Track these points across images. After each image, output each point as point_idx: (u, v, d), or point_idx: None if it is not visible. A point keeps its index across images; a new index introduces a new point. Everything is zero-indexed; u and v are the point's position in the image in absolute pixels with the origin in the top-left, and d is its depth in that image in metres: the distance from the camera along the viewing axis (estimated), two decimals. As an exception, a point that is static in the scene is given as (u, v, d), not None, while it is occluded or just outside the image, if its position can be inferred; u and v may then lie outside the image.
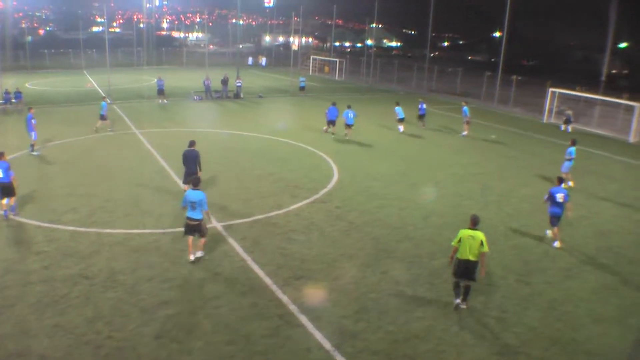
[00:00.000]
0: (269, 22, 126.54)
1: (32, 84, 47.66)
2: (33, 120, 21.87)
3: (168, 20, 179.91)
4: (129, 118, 30.90)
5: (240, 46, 76.93)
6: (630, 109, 31.19)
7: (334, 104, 27.94)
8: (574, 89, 34.91)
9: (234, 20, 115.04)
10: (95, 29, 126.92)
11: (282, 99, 42.36)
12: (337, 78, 60.46)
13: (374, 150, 24.99)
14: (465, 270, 10.56)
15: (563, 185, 14.49)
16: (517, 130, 32.29)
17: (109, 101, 27.43)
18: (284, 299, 10.90)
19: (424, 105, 31.16)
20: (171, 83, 44.85)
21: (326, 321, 10.18)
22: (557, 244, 14.30)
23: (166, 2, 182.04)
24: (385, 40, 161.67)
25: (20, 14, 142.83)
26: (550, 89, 35.80)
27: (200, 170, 16.07)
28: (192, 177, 13.56)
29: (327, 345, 9.43)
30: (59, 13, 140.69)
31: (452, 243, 10.69)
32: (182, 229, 12.64)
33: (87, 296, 10.74)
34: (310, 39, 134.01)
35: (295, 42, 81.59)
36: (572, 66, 72.53)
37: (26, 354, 8.88)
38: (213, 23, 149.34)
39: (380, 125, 31.30)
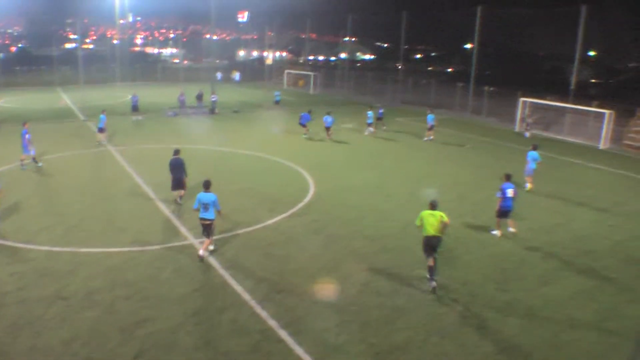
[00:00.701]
0: (242, 36, 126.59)
1: (5, 101, 46.69)
2: (27, 135, 21.56)
3: (142, 36, 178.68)
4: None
5: (217, 61, 76.64)
6: (599, 116, 31.95)
7: (309, 111, 31.50)
8: (544, 98, 35.57)
9: (207, 36, 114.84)
10: (68, 45, 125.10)
11: (258, 114, 42.29)
12: (311, 92, 60.52)
13: (349, 163, 25.11)
14: (431, 246, 11.98)
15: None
16: (491, 139, 32.80)
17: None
18: (264, 314, 10.84)
19: (382, 110, 34.86)
20: (146, 99, 44.37)
21: (307, 335, 10.14)
22: (497, 232, 15.60)
23: (139, 18, 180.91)
24: (358, 54, 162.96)
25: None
26: (522, 99, 36.51)
27: (186, 176, 17.49)
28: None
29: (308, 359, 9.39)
30: (32, 30, 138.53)
31: (416, 223, 12.24)
32: (158, 247, 13.89)
33: (64, 317, 10.53)
34: (284, 53, 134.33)
35: (269, 56, 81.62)
36: (542, 76, 73.86)
37: (0, 379, 8.67)
38: (187, 38, 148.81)
39: (353, 138, 31.51)
